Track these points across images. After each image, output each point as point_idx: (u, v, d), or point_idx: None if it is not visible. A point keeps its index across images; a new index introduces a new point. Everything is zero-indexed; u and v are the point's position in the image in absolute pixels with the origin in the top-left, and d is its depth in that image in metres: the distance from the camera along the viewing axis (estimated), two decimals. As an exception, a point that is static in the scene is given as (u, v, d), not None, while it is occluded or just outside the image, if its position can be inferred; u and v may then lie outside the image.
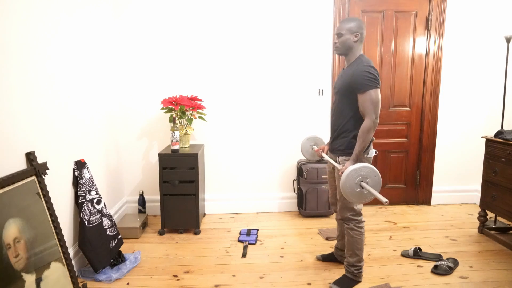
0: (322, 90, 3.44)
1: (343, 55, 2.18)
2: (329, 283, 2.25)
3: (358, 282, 2.25)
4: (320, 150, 2.45)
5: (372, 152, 2.16)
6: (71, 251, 2.26)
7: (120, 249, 2.58)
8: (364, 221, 2.21)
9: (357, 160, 2.03)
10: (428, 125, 3.57)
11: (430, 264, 2.48)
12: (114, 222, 2.60)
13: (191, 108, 3.06)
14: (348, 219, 2.18)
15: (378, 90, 2.02)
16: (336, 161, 2.21)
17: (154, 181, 3.38)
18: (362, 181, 1.84)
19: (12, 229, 1.64)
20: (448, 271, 2.38)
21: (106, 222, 2.48)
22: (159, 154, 2.93)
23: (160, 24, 3.25)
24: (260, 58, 3.35)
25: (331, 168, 2.34)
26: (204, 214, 3.46)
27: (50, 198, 1.95)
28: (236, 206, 3.53)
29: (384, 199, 1.70)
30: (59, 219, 2.00)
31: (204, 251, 2.72)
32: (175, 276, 2.37)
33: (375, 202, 3.63)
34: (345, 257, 2.26)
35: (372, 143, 2.18)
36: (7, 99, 1.74)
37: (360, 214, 2.18)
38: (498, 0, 3.41)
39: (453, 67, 3.51)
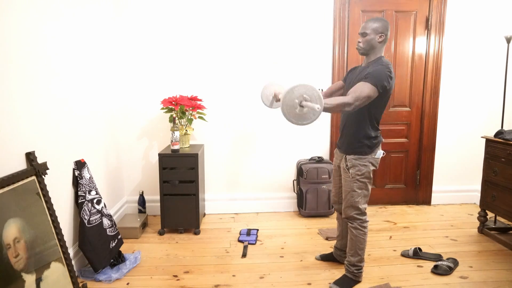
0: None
1: (365, 55, 2.14)
2: (329, 283, 2.26)
3: (358, 282, 2.25)
4: (278, 93, 2.36)
5: (380, 153, 2.15)
6: (71, 251, 2.26)
7: (120, 249, 2.57)
8: (368, 221, 2.21)
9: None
10: (428, 125, 3.57)
11: (430, 264, 2.48)
12: (114, 222, 2.60)
13: (191, 108, 3.06)
14: (353, 218, 2.18)
15: (376, 90, 1.96)
16: (342, 159, 2.20)
17: (154, 181, 3.38)
18: (302, 100, 1.77)
19: (12, 229, 1.64)
20: (448, 271, 2.38)
21: (106, 222, 2.48)
22: (159, 154, 2.93)
23: (160, 24, 3.25)
24: (260, 58, 3.35)
25: (336, 166, 2.34)
26: (204, 214, 3.46)
27: (50, 198, 1.95)
28: (236, 206, 3.53)
29: (316, 106, 1.72)
30: (59, 219, 2.00)
31: (204, 251, 2.72)
32: (175, 276, 2.38)
33: (375, 202, 3.64)
34: (346, 256, 2.26)
35: (380, 144, 2.17)
36: (7, 99, 1.74)
37: (364, 213, 2.18)
38: (498, 0, 3.42)
39: (453, 67, 3.51)
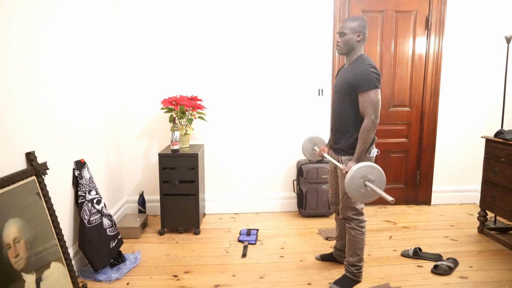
0: (322, 90, 3.44)
1: (344, 55, 2.16)
2: (329, 283, 2.26)
3: (358, 282, 2.25)
4: (322, 151, 2.44)
5: (374, 152, 2.16)
6: (71, 251, 2.26)
7: (120, 249, 2.58)
8: (366, 220, 2.21)
9: (359, 161, 2.03)
10: (428, 125, 3.57)
11: (430, 264, 2.48)
12: (114, 222, 2.60)
13: (191, 108, 3.06)
14: (350, 218, 2.18)
15: (379, 90, 2.01)
16: (338, 161, 2.21)
17: (154, 181, 3.38)
18: (366, 180, 1.85)
19: (12, 229, 1.64)
20: (448, 271, 2.38)
21: (106, 222, 2.48)
22: (159, 154, 2.93)
23: (160, 24, 3.25)
24: (260, 58, 3.35)
25: (332, 168, 2.34)
26: (204, 214, 3.46)
27: (50, 198, 1.95)
28: (236, 206, 3.53)
29: (389, 198, 1.71)
30: (59, 219, 2.00)
31: (204, 251, 2.72)
32: (175, 276, 2.38)
33: (375, 202, 3.63)
34: (346, 256, 2.26)
35: (374, 143, 2.18)
36: (7, 99, 1.74)
37: (362, 213, 2.18)
38: (498, 0, 3.41)
39: (453, 67, 3.51)
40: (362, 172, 1.85)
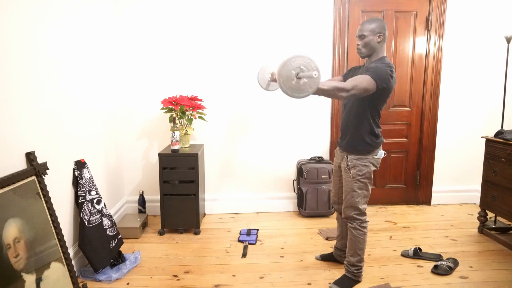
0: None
1: (366, 58, 2.13)
2: (329, 283, 2.26)
3: (358, 282, 2.25)
4: (275, 73, 2.30)
5: (381, 154, 2.16)
6: (71, 251, 2.26)
7: (120, 249, 2.57)
8: (368, 221, 2.21)
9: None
10: (428, 125, 3.57)
11: (430, 264, 2.48)
12: (114, 222, 2.60)
13: (191, 108, 3.06)
14: (353, 218, 2.18)
15: (374, 85, 1.95)
16: (345, 159, 2.19)
17: (154, 181, 3.38)
18: (299, 72, 1.73)
19: (12, 229, 1.64)
20: (448, 271, 2.38)
21: (106, 222, 2.48)
22: (159, 154, 2.93)
23: (160, 24, 3.25)
24: (260, 58, 3.35)
25: (337, 167, 2.34)
26: (204, 214, 3.46)
27: (50, 198, 1.95)
28: (236, 206, 3.53)
29: (313, 72, 1.66)
30: (59, 219, 2.00)
31: (204, 251, 2.72)
32: (175, 276, 2.38)
33: (375, 202, 3.64)
34: (346, 256, 2.26)
35: (382, 145, 2.17)
36: (7, 99, 1.74)
37: (364, 214, 2.18)
38: (498, 0, 3.42)
39: (453, 67, 3.51)
40: (297, 61, 1.71)
